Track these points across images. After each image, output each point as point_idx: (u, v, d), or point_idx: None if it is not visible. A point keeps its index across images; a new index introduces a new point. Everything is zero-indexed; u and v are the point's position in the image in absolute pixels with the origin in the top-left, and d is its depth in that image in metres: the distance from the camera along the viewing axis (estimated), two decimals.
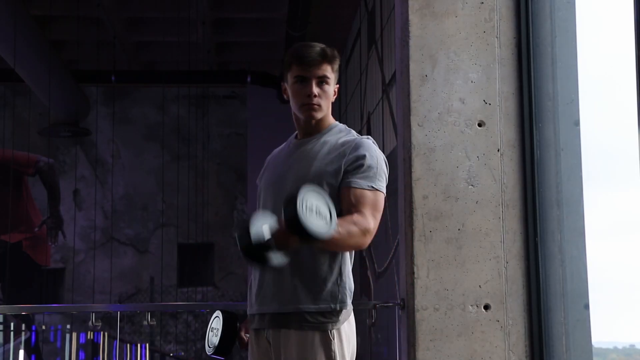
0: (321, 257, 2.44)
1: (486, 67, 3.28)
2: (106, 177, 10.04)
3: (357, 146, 2.47)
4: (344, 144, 2.49)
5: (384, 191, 2.48)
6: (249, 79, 8.99)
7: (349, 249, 2.45)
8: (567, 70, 3.24)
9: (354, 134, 2.56)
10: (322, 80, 2.50)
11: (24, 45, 6.91)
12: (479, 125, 3.26)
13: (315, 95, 2.48)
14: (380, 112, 6.04)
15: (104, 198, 10.02)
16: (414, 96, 3.27)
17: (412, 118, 3.25)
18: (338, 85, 2.57)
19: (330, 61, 2.50)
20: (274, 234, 2.18)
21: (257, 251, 2.16)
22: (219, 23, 8.25)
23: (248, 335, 2.63)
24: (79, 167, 9.79)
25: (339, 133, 2.54)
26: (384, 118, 5.91)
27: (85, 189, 9.94)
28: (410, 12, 3.29)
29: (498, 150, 3.25)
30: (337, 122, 2.58)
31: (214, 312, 2.71)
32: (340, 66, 2.56)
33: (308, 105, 2.49)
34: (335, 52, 2.54)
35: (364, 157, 2.45)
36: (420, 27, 3.29)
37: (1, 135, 8.27)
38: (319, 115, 2.51)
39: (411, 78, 3.27)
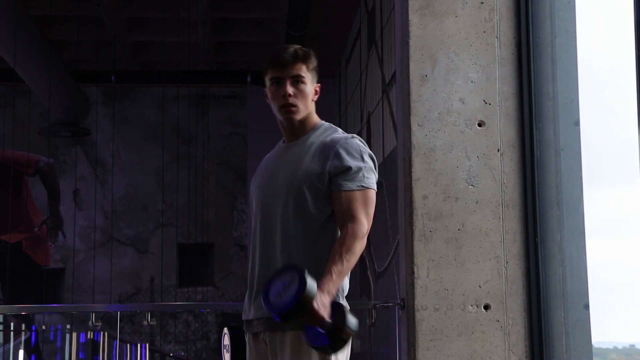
0: (313, 258, 2.44)
1: (486, 67, 3.28)
2: (106, 177, 10.04)
3: (340, 149, 2.48)
4: (327, 145, 2.50)
5: (374, 186, 2.50)
6: (248, 79, 8.99)
7: (358, 257, 2.46)
8: (567, 70, 3.24)
9: (339, 132, 2.57)
10: (297, 80, 2.52)
11: (24, 45, 6.90)
12: (479, 125, 3.26)
13: (290, 95, 2.51)
14: (380, 112, 6.04)
15: (104, 198, 10.01)
16: (414, 96, 3.27)
17: (412, 118, 3.25)
18: (319, 85, 2.59)
19: (304, 60, 2.53)
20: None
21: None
22: (219, 23, 8.25)
23: None
24: (79, 167, 9.78)
25: (324, 133, 2.55)
26: (384, 118, 5.91)
27: (85, 189, 9.93)
28: (410, 12, 3.29)
29: (498, 150, 3.25)
30: (322, 122, 2.59)
31: (223, 329, 2.77)
32: (317, 66, 2.57)
33: (284, 107, 2.52)
34: (310, 52, 2.56)
35: (347, 160, 2.46)
36: (420, 27, 3.29)
37: (1, 135, 8.27)
38: (297, 116, 2.54)
39: (411, 78, 3.27)
